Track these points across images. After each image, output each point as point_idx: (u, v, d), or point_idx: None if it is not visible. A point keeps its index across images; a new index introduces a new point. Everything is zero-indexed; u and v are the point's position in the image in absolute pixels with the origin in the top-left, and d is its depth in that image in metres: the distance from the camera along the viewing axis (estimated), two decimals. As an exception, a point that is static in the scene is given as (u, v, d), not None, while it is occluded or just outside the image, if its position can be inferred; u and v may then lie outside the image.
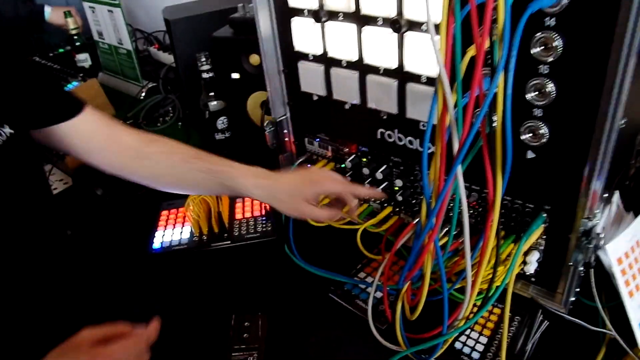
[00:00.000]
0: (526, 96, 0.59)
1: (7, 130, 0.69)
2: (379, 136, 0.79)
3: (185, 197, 0.97)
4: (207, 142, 1.24)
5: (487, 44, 0.52)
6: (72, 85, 1.48)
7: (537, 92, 0.59)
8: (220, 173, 0.75)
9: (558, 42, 0.55)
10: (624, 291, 0.63)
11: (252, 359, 0.69)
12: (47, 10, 1.73)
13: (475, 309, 0.65)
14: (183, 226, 0.91)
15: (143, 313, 0.69)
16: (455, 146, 0.53)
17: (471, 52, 0.56)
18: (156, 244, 0.88)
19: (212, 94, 1.16)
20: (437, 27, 0.60)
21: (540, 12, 0.54)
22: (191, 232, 0.89)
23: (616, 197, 0.65)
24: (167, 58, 1.64)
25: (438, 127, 0.55)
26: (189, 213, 0.86)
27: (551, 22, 0.55)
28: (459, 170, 0.53)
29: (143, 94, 1.58)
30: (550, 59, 0.56)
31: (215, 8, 1.22)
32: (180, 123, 1.43)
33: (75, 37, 1.68)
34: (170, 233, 0.90)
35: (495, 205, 0.56)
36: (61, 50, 1.85)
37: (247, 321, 0.74)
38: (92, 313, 0.87)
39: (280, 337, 0.74)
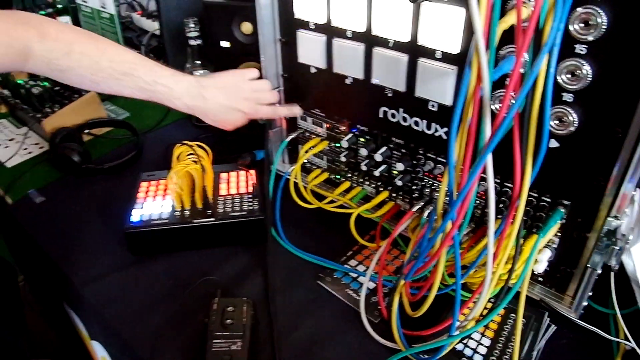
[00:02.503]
0: (557, 78, 0.50)
1: None
2: (381, 115, 0.69)
3: (166, 169, 0.85)
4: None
5: (524, 15, 0.42)
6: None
7: (570, 75, 0.49)
8: (153, 95, 0.71)
9: (602, 19, 0.45)
10: (645, 300, 0.56)
11: (235, 347, 0.59)
12: None
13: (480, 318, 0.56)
14: (164, 199, 0.79)
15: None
16: (487, 129, 0.43)
17: (503, 24, 0.46)
18: (135, 217, 0.76)
19: (198, 62, 1.03)
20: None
21: (583, -15, 0.45)
22: (172, 206, 0.77)
23: (637, 195, 0.57)
24: (150, 25, 1.49)
25: (467, 105, 0.45)
26: (171, 185, 0.74)
27: (595, -6, 0.45)
28: (489, 158, 0.43)
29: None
30: (590, 38, 0.47)
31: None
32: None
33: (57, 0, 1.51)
34: (150, 206, 0.78)
35: (522, 197, 0.47)
36: (42, 12, 1.68)
37: (231, 305, 0.64)
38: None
39: (266, 324, 0.65)
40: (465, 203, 0.46)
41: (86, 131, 1.08)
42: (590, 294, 0.58)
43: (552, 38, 0.40)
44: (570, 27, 0.47)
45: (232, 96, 0.74)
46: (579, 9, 0.46)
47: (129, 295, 0.71)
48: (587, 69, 0.48)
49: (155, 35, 1.35)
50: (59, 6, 1.54)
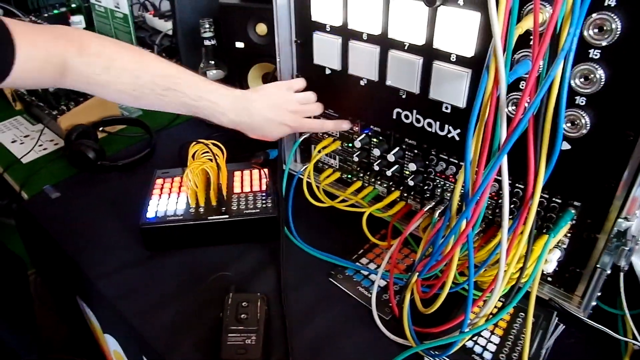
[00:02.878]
0: (570, 82, 0.51)
1: None
2: (394, 116, 0.70)
3: (179, 167, 0.87)
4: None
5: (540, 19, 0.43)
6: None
7: (583, 79, 0.50)
8: (198, 111, 0.71)
9: (616, 25, 0.46)
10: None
11: (250, 342, 0.60)
12: None
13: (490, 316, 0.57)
14: (179, 196, 0.81)
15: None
16: (503, 131, 0.44)
17: (519, 29, 0.47)
18: (150, 214, 0.77)
19: (212, 62, 1.05)
20: (475, 1, 0.52)
21: (598, -7, 0.46)
22: (187, 203, 0.78)
23: (646, 197, 0.58)
24: (162, 25, 1.50)
25: (484, 108, 0.46)
26: (187, 182, 0.76)
27: (611, 2, 0.46)
28: (505, 159, 0.45)
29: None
30: (604, 43, 0.48)
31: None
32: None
33: (72, -1, 1.54)
34: (165, 202, 0.79)
35: (535, 197, 0.48)
36: (56, 11, 1.71)
37: (245, 301, 0.65)
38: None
39: (279, 320, 0.66)
40: (480, 202, 0.47)
41: (100, 129, 1.10)
42: (599, 294, 0.59)
43: (569, 43, 0.42)
44: (585, 33, 0.48)
45: (278, 110, 0.73)
46: (594, 15, 0.47)
47: (144, 290, 0.72)
48: (600, 73, 0.49)
49: (168, 35, 1.37)
50: (73, 5, 1.56)
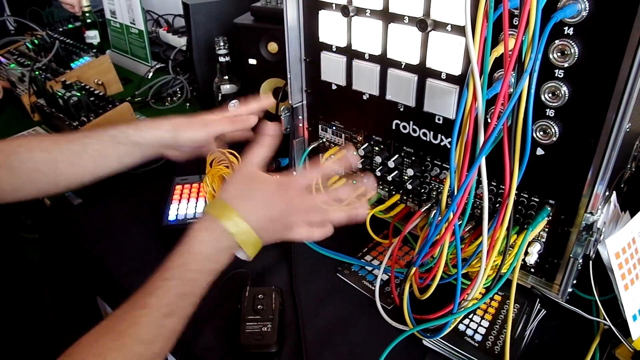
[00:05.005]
0: (541, 97, 0.63)
1: None
2: (393, 127, 0.82)
3: (199, 172, 0.99)
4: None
5: (511, 46, 0.56)
6: (84, 60, 1.48)
7: (551, 94, 0.62)
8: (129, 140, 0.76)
9: (574, 50, 0.59)
10: (620, 284, 0.67)
11: (266, 329, 0.72)
12: None
13: (479, 296, 0.69)
14: (197, 200, 0.93)
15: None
16: (481, 137, 0.56)
17: (495, 53, 0.59)
18: (171, 216, 0.89)
19: (226, 77, 1.18)
20: (461, 28, 0.64)
21: (560, 22, 0.58)
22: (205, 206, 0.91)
23: (613, 197, 0.69)
24: (176, 41, 1.65)
25: (465, 119, 0.58)
26: (205, 187, 0.88)
27: (570, 31, 0.58)
28: (483, 161, 0.57)
29: (150, 74, 1.58)
30: (566, 65, 0.60)
31: (234, -4, 1.24)
32: (187, 104, 1.45)
33: (87, 14, 1.67)
34: (185, 206, 0.92)
35: (510, 195, 0.60)
36: (71, 25, 1.84)
37: (261, 294, 0.76)
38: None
39: (292, 311, 0.77)
40: (464, 197, 0.59)
41: (120, 140, 1.23)
42: (575, 282, 0.71)
43: (531, 65, 0.54)
44: (550, 56, 0.60)
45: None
46: (557, 41, 0.60)
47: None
48: (564, 89, 0.61)
49: (182, 51, 1.51)
50: (88, 21, 1.70)
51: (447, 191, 0.63)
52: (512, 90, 0.57)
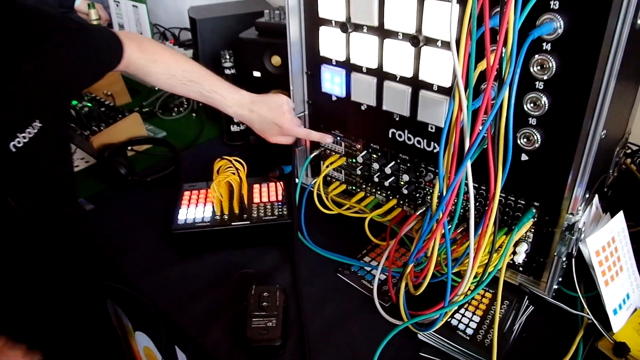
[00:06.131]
0: (524, 107, 0.69)
1: (37, 124, 0.75)
2: (390, 135, 0.89)
3: (206, 179, 1.05)
4: (223, 133, 1.34)
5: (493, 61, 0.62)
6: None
7: (532, 104, 0.69)
8: (210, 100, 0.98)
9: (552, 64, 0.65)
10: (600, 280, 0.73)
11: (271, 324, 0.77)
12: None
13: (468, 292, 0.75)
14: (205, 205, 0.99)
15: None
16: (467, 143, 0.63)
17: (480, 67, 0.66)
18: (180, 220, 0.96)
19: (231, 89, 1.25)
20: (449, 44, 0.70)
21: (539, 38, 0.64)
22: (213, 211, 0.97)
23: (595, 200, 0.75)
24: (182, 53, 1.72)
25: (452, 127, 0.65)
26: (213, 192, 0.94)
27: (548, 46, 0.65)
28: (469, 164, 0.63)
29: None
30: (545, 77, 0.66)
31: (239, 11, 1.31)
32: (194, 114, 1.52)
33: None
34: (193, 211, 0.98)
35: (495, 197, 0.66)
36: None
37: (266, 292, 0.82)
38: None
39: (295, 308, 0.83)
40: (452, 198, 0.65)
41: (129, 148, 1.30)
42: (561, 279, 0.77)
43: (510, 78, 0.60)
44: (531, 69, 0.67)
45: (275, 112, 0.96)
46: (536, 56, 0.66)
47: (176, 287, 0.89)
48: (544, 100, 0.67)
49: (187, 63, 1.58)
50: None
51: (437, 193, 0.69)
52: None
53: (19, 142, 0.72)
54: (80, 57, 0.83)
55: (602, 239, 0.74)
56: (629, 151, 1.07)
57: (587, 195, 0.72)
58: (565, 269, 0.76)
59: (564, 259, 0.74)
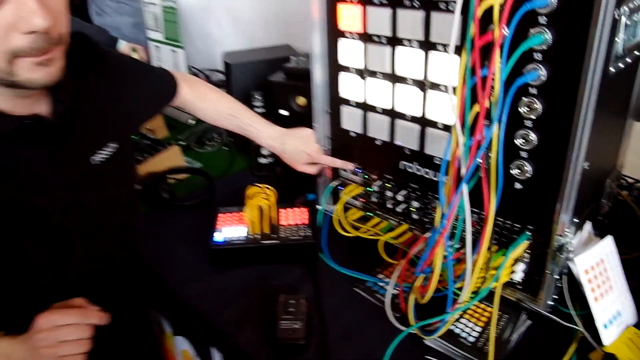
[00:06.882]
0: (515, 141, 0.79)
1: (114, 144, 0.90)
2: (401, 167, 1.00)
3: (237, 204, 1.16)
4: (252, 164, 1.46)
5: (487, 104, 0.73)
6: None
7: (523, 140, 0.79)
8: (248, 133, 1.16)
9: (538, 105, 0.75)
10: (590, 297, 0.81)
11: (297, 326, 0.86)
12: (121, 43, 1.97)
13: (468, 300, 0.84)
14: (238, 226, 1.11)
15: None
16: (463, 171, 0.73)
17: (475, 109, 0.77)
18: (217, 238, 1.07)
19: (261, 126, 1.38)
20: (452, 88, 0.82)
21: (526, 84, 0.75)
22: (246, 231, 1.08)
23: (588, 226, 0.84)
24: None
25: (451, 159, 0.76)
26: (246, 215, 1.06)
27: (534, 90, 0.75)
28: (465, 187, 0.74)
29: (193, 121, 1.81)
30: (533, 117, 0.76)
31: (268, 57, 1.46)
32: (225, 147, 1.65)
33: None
34: (228, 230, 1.09)
35: (489, 220, 0.76)
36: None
37: (292, 300, 0.92)
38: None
39: (317, 315, 0.93)
40: (451, 216, 0.76)
41: (169, 176, 1.43)
42: (557, 297, 0.85)
43: (497, 119, 0.71)
44: (520, 109, 0.77)
45: (303, 142, 1.11)
46: (524, 98, 0.76)
47: (214, 295, 1.00)
48: (533, 136, 0.78)
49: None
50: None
51: (439, 214, 0.80)
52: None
53: (99, 157, 0.87)
54: (146, 91, 0.99)
55: (591, 259, 0.82)
56: (625, 184, 1.16)
57: (577, 221, 0.81)
58: (560, 288, 0.84)
59: (557, 276, 0.82)
